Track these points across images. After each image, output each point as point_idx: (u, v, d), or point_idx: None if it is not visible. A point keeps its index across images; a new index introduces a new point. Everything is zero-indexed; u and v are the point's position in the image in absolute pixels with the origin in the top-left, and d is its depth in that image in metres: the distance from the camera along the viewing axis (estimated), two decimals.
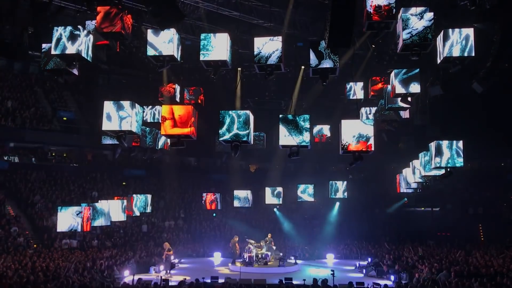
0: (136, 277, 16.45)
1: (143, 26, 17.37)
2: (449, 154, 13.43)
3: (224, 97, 24.33)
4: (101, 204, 17.50)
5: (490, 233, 27.39)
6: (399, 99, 15.09)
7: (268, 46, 12.50)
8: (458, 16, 14.64)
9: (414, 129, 26.98)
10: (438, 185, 24.80)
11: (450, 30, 11.29)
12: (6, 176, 26.35)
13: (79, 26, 11.55)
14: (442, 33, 11.43)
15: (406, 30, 10.64)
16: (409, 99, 14.84)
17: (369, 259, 23.28)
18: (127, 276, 18.95)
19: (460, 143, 13.46)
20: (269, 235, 24.45)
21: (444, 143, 13.45)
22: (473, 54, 11.18)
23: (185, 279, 15.03)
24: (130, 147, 17.03)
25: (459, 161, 13.36)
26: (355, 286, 14.16)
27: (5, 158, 27.25)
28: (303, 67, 22.48)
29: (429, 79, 18.35)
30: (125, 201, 18.73)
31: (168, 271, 20.94)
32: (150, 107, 17.91)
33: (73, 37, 11.45)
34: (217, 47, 12.50)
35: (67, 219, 15.47)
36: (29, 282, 14.18)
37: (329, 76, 12.53)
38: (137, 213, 19.93)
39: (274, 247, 23.84)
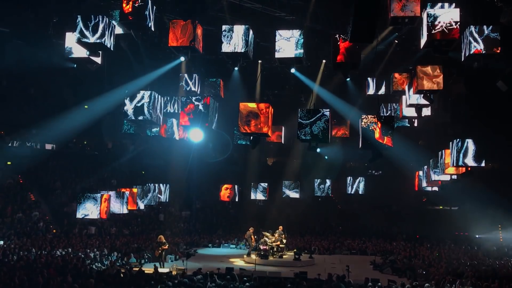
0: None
1: (165, 17, 17.39)
2: (467, 153, 13.27)
3: (243, 89, 24.23)
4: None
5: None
6: (421, 95, 14.91)
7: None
8: (484, 12, 14.34)
9: (435, 126, 26.62)
10: (457, 184, 24.49)
11: (471, 27, 11.07)
12: (28, 162, 26.82)
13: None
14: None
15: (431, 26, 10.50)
16: (431, 96, 14.64)
17: (386, 256, 23.12)
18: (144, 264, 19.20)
19: (472, 143, 13.28)
20: (280, 228, 24.15)
21: (463, 142, 13.28)
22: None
23: (200, 269, 15.12)
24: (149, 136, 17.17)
25: (478, 161, 13.18)
26: (370, 283, 14.09)
27: (27, 145, 27.74)
28: (324, 60, 22.29)
29: (452, 76, 18.03)
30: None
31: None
32: (167, 98, 17.84)
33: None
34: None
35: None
36: (48, 267, 14.45)
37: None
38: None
39: (285, 240, 23.50)
